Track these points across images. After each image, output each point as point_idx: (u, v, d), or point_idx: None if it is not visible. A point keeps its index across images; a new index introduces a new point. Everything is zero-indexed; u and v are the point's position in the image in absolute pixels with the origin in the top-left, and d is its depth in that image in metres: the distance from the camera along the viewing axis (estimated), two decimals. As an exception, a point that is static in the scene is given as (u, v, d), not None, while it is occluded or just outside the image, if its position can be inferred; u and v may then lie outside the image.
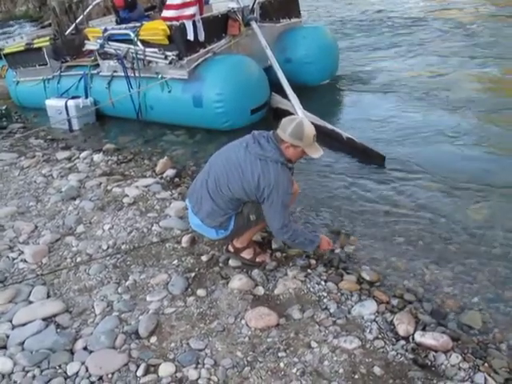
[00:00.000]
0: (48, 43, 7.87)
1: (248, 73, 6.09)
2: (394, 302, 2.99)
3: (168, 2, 5.96)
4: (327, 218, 4.03)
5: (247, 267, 3.41)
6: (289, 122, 3.02)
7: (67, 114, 7.16)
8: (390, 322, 2.82)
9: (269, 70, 6.36)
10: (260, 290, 3.18)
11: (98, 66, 7.20)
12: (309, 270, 3.33)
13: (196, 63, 6.11)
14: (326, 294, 3.08)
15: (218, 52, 6.35)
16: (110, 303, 3.19)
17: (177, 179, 5.04)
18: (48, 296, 3.34)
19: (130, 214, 4.27)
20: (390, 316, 2.86)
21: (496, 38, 8.52)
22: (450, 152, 4.87)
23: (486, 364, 2.49)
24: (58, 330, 2.98)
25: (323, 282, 3.19)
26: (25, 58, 8.27)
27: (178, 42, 5.99)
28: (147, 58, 6.31)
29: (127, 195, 4.64)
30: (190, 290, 3.25)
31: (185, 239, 3.78)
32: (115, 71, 6.86)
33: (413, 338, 2.69)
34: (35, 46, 7.99)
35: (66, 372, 2.66)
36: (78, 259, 3.74)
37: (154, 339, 2.85)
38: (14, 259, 3.83)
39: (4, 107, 8.21)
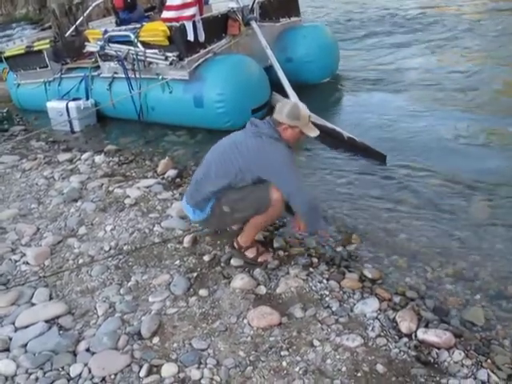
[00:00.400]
0: (48, 45, 7.88)
1: (248, 72, 6.09)
2: (397, 299, 2.99)
3: (168, 3, 5.96)
4: (329, 217, 4.00)
5: (249, 266, 3.41)
6: (284, 105, 3.18)
7: (68, 115, 7.18)
8: (393, 319, 2.81)
9: (269, 70, 6.36)
10: (262, 290, 3.18)
11: (98, 67, 7.20)
12: (311, 269, 3.33)
13: (196, 64, 6.10)
14: (328, 293, 3.08)
15: (219, 52, 6.35)
16: (112, 304, 3.19)
17: (178, 179, 5.04)
18: (50, 298, 3.34)
19: (131, 215, 4.27)
20: (393, 313, 2.85)
21: (500, 34, 8.50)
22: (452, 150, 4.84)
23: (488, 360, 2.49)
24: (61, 332, 2.98)
25: (325, 281, 3.19)
26: (25, 61, 8.27)
27: (179, 43, 5.99)
28: (148, 59, 6.31)
29: (129, 196, 4.65)
30: (192, 290, 3.25)
31: (186, 239, 3.78)
32: (116, 72, 6.86)
33: (415, 336, 2.68)
34: (36, 48, 8.00)
35: (68, 374, 2.66)
36: (80, 261, 3.75)
37: (156, 340, 2.85)
38: (16, 261, 3.83)
39: (5, 110, 8.21)
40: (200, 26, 6.03)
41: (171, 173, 5.16)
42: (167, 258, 3.64)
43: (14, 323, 3.09)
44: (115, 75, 6.88)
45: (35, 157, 6.27)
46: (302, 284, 3.17)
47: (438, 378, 2.40)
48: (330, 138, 5.33)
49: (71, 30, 8.53)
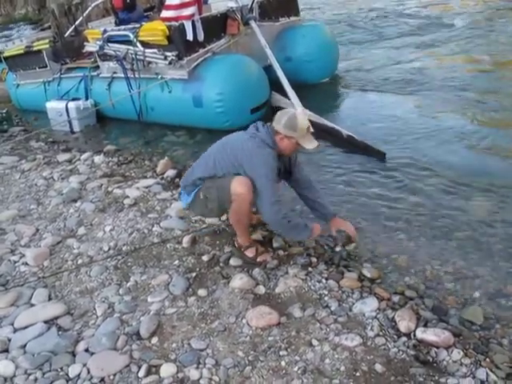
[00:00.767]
0: (48, 45, 7.90)
1: (248, 72, 6.08)
2: (395, 298, 2.99)
3: (167, 3, 5.96)
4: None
5: (248, 266, 3.41)
6: (282, 115, 3.18)
7: (68, 116, 7.18)
8: (392, 318, 2.81)
9: (268, 69, 6.36)
10: (261, 289, 3.17)
11: (97, 67, 7.21)
12: (310, 268, 3.32)
13: (196, 63, 6.10)
14: (326, 292, 3.07)
15: (218, 52, 6.34)
16: (111, 305, 3.19)
17: (177, 180, 5.01)
18: (49, 298, 3.34)
19: (130, 215, 4.27)
20: (392, 313, 2.85)
21: (496, 34, 8.50)
22: (452, 149, 4.84)
23: (487, 359, 2.48)
24: (60, 333, 2.97)
25: (324, 280, 3.18)
26: (25, 61, 8.28)
27: (178, 43, 5.99)
28: (147, 58, 6.32)
29: (128, 196, 4.64)
30: (190, 290, 3.24)
31: (185, 239, 3.78)
32: (115, 72, 6.87)
33: (414, 335, 2.68)
34: (35, 48, 8.01)
35: (67, 374, 2.66)
36: (79, 261, 3.74)
37: (155, 340, 2.85)
38: (15, 262, 3.82)
39: (4, 110, 8.22)
40: (199, 25, 6.03)
41: (170, 173, 5.16)
42: (166, 258, 3.63)
43: (13, 324, 3.08)
44: (114, 75, 6.89)
45: (34, 157, 6.26)
46: (301, 284, 3.17)
47: (436, 377, 2.40)
48: (330, 137, 5.33)
49: (70, 30, 8.55)
